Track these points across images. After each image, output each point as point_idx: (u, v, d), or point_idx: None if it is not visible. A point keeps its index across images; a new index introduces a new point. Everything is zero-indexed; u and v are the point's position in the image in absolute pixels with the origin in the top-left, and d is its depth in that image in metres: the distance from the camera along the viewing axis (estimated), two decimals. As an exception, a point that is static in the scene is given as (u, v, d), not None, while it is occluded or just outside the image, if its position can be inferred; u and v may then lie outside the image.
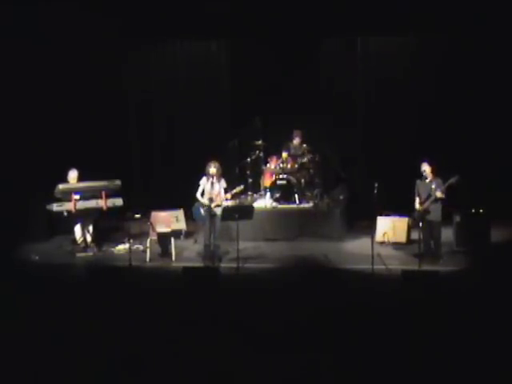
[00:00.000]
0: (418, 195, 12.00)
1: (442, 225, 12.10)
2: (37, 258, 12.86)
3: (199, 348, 7.42)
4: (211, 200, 12.28)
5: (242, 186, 12.91)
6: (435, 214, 11.91)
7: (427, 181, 11.98)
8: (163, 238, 12.85)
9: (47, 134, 14.61)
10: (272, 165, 15.03)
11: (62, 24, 14.51)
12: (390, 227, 13.66)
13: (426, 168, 11.93)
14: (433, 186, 11.83)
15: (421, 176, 11.98)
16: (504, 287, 9.33)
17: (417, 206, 11.99)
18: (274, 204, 14.54)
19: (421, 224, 11.80)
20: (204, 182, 12.39)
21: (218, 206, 12.29)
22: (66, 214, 12.99)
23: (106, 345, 7.57)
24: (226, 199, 12.58)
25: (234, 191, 12.56)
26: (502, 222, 13.50)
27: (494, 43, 14.56)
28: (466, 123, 14.89)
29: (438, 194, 11.78)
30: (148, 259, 12.73)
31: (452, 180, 11.78)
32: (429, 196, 11.85)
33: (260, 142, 15.36)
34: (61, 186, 12.83)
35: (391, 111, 15.48)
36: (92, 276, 10.71)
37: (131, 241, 12.63)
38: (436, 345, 7.29)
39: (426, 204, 11.87)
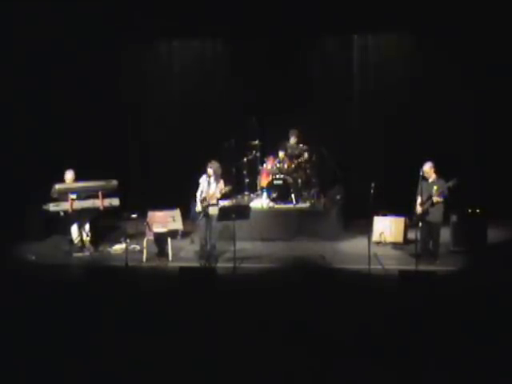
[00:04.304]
0: (420, 195, 11.98)
1: (441, 226, 12.12)
2: (33, 257, 12.84)
3: (196, 348, 7.41)
4: (205, 199, 12.32)
5: (230, 187, 12.90)
6: (435, 214, 11.89)
7: (429, 181, 11.97)
8: (160, 238, 12.85)
9: (44, 134, 14.62)
10: (269, 165, 15.02)
11: (60, 23, 14.51)
12: (386, 227, 13.66)
13: (425, 169, 11.90)
14: (434, 187, 11.82)
15: (423, 176, 11.95)
16: (501, 287, 9.33)
17: (417, 206, 11.97)
18: (271, 204, 14.53)
19: (420, 224, 11.81)
20: (203, 181, 12.44)
21: (214, 205, 12.31)
22: (62, 214, 13.01)
23: (103, 345, 7.55)
24: (217, 198, 12.56)
25: (223, 191, 12.57)
26: (499, 221, 13.53)
27: (494, 41, 14.53)
28: (463, 123, 14.90)
29: (435, 199, 11.78)
30: (145, 259, 12.73)
31: (450, 183, 11.78)
32: (429, 197, 11.85)
33: (256, 141, 15.36)
34: (57, 186, 12.83)
35: (388, 110, 15.47)
36: (89, 276, 10.69)
37: (128, 241, 12.64)
38: (433, 345, 7.29)
39: (426, 205, 11.87)
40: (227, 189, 12.70)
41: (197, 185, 12.58)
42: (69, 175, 13.16)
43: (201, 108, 16.28)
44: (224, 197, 13.13)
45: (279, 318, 8.05)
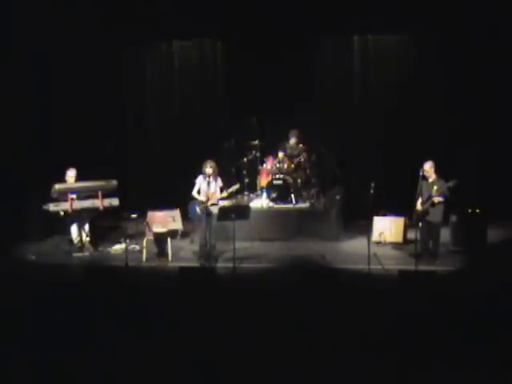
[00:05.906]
0: (421, 195, 11.97)
1: (441, 225, 12.11)
2: (33, 257, 12.84)
3: (196, 348, 7.41)
4: (207, 199, 12.33)
5: (238, 185, 12.93)
6: (435, 214, 11.88)
7: (430, 181, 11.97)
8: (160, 238, 12.84)
9: (44, 133, 14.61)
10: (268, 165, 15.02)
11: (61, 23, 14.51)
12: (386, 227, 13.67)
13: (426, 167, 11.89)
14: (435, 187, 11.81)
15: (423, 176, 11.94)
16: (501, 287, 9.33)
17: (418, 205, 11.97)
18: (271, 204, 14.53)
19: (420, 224, 11.81)
20: (200, 181, 12.44)
21: (214, 204, 12.33)
22: (62, 213, 13.00)
23: (103, 345, 7.55)
24: (222, 198, 12.61)
25: (230, 190, 12.61)
26: (499, 221, 13.52)
27: (494, 41, 14.51)
28: (463, 123, 14.89)
29: (436, 199, 11.77)
30: (144, 259, 12.73)
31: (450, 183, 11.78)
32: (429, 197, 11.84)
33: (256, 141, 15.36)
34: (57, 186, 12.83)
35: (388, 111, 15.47)
36: (89, 276, 10.69)
37: (128, 241, 12.64)
38: (433, 345, 7.29)
39: (426, 205, 11.86)
40: (235, 188, 12.75)
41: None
42: (70, 173, 13.16)
43: (201, 108, 16.29)
44: (231, 195, 13.17)
45: (279, 317, 8.05)
